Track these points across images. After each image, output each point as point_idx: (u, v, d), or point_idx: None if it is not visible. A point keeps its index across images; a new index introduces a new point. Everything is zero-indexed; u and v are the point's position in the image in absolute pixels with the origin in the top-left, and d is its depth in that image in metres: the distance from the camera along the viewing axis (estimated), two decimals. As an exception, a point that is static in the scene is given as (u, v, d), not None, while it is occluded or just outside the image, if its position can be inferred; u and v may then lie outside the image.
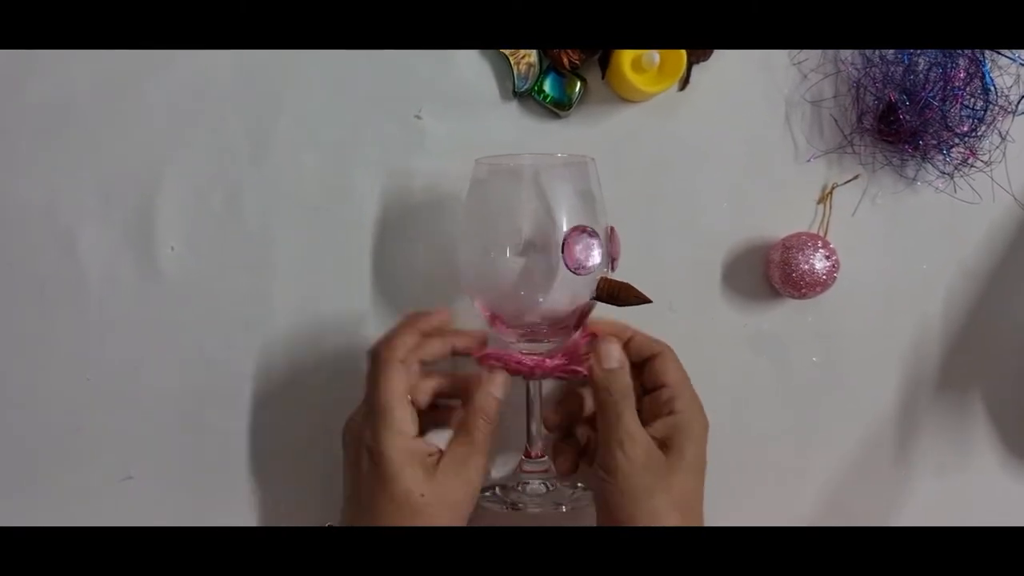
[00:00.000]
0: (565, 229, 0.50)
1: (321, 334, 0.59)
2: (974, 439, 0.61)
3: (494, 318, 0.53)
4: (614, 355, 0.51)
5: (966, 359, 0.61)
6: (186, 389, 0.59)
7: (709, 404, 0.59)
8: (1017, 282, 0.61)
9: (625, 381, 0.51)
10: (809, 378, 0.61)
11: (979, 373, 0.61)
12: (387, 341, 0.52)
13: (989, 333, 0.61)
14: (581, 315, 0.53)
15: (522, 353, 0.53)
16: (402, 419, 0.50)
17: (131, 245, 0.59)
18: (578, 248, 0.49)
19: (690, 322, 0.60)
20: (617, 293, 0.51)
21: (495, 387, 0.52)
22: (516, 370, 0.53)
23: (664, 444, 0.51)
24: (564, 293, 0.51)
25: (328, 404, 0.59)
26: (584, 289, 0.51)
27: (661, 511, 0.49)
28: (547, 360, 0.53)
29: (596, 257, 0.50)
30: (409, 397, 0.51)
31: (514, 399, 0.54)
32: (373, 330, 0.59)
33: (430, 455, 0.50)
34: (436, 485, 0.49)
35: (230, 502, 0.59)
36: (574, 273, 0.49)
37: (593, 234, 0.50)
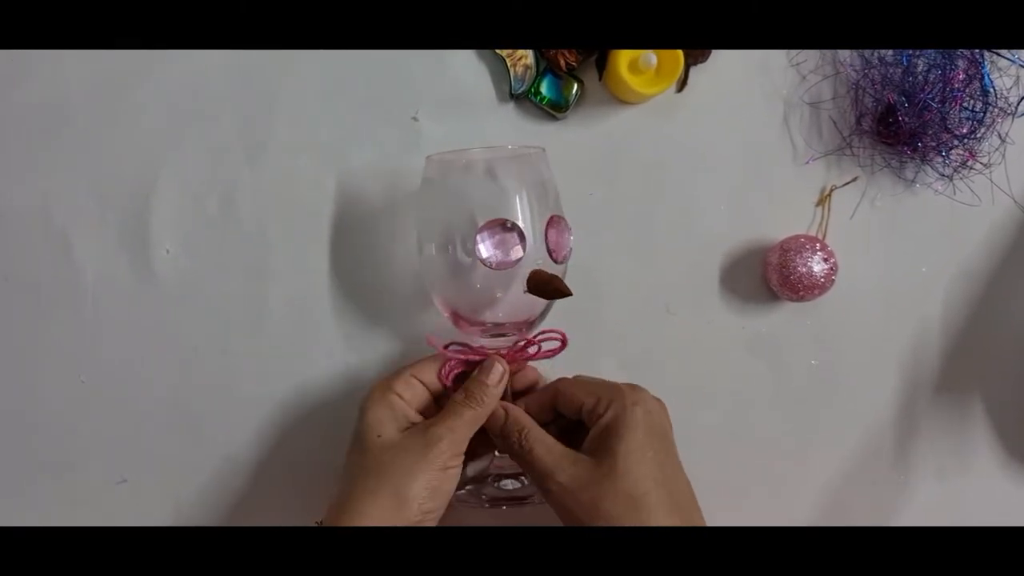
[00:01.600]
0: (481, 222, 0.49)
1: (316, 337, 0.59)
2: (974, 442, 0.61)
3: (456, 316, 0.53)
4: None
5: (965, 362, 0.61)
6: (181, 392, 0.59)
7: (708, 407, 0.60)
8: (1017, 284, 0.60)
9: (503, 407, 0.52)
10: (808, 381, 0.60)
11: (979, 376, 0.61)
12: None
13: (989, 336, 0.60)
14: (542, 309, 0.53)
15: (483, 347, 0.53)
16: (396, 380, 0.52)
17: (126, 247, 0.58)
18: (489, 243, 0.49)
19: (688, 325, 0.60)
20: (542, 286, 0.50)
21: (488, 375, 0.52)
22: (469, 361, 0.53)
23: (597, 451, 0.50)
24: (520, 288, 0.50)
25: (322, 407, 0.58)
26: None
27: (613, 516, 0.48)
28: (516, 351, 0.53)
29: (512, 251, 0.49)
30: (418, 378, 0.53)
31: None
32: (370, 333, 0.59)
33: (411, 420, 0.51)
34: (398, 437, 0.50)
35: (225, 506, 0.59)
36: (489, 268, 0.49)
37: (510, 228, 0.49)
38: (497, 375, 0.52)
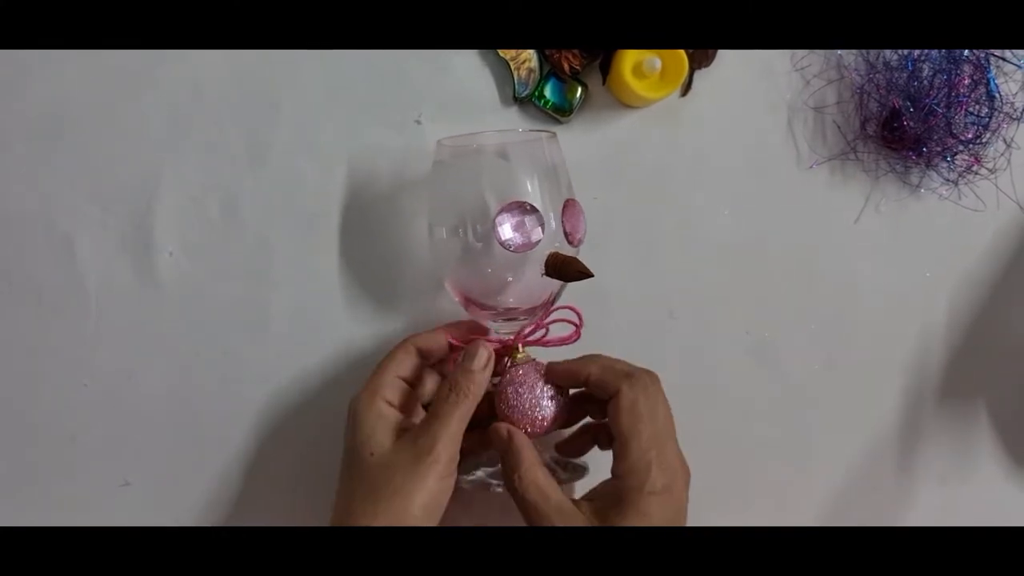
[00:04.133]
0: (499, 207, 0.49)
1: (318, 340, 0.59)
2: (977, 449, 0.60)
3: (467, 301, 0.53)
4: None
5: (970, 368, 0.60)
6: (183, 395, 0.59)
7: (709, 412, 0.59)
8: (1021, 290, 0.60)
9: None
10: (810, 386, 0.60)
11: (983, 382, 0.61)
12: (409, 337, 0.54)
13: (993, 342, 0.60)
14: (553, 293, 0.52)
15: (496, 333, 0.53)
16: (382, 384, 0.51)
17: (128, 251, 0.58)
18: (508, 225, 0.49)
19: (691, 330, 0.60)
20: (561, 268, 0.49)
21: (472, 361, 0.50)
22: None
23: (601, 513, 0.47)
24: (533, 271, 0.50)
25: (325, 410, 0.58)
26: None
27: None
28: (519, 335, 0.53)
29: (531, 233, 0.49)
30: (401, 376, 0.52)
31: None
32: (371, 336, 0.59)
33: (402, 426, 0.50)
34: (390, 451, 0.49)
35: (227, 509, 0.59)
36: (508, 251, 0.49)
37: (530, 209, 0.49)
38: (483, 360, 0.51)
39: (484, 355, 0.51)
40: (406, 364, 0.53)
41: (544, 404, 0.52)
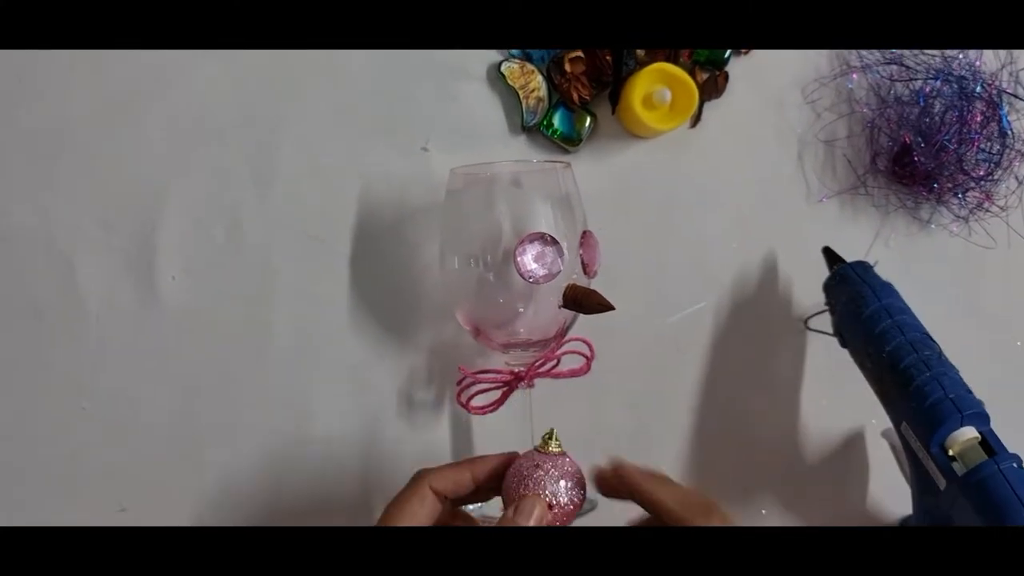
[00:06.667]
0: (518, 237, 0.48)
1: (322, 366, 0.58)
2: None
3: (477, 330, 0.52)
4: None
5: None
6: (184, 420, 0.58)
7: (720, 446, 0.59)
8: (1032, 329, 0.60)
9: None
10: (822, 422, 0.60)
11: (992, 419, 0.60)
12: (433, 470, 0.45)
13: (1003, 379, 0.59)
14: (564, 324, 0.52)
15: (507, 364, 0.52)
16: None
17: (131, 273, 0.58)
18: (530, 256, 0.48)
19: (698, 363, 0.59)
20: (581, 300, 0.49)
21: (523, 517, 0.42)
22: (501, 381, 0.52)
23: None
24: (545, 302, 0.50)
25: (328, 437, 0.58)
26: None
27: None
28: (530, 367, 0.52)
29: (552, 264, 0.48)
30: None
31: (511, 408, 0.53)
32: (376, 361, 0.58)
33: None
34: None
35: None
36: (528, 282, 0.48)
37: (551, 241, 0.48)
38: (537, 518, 0.42)
39: (539, 513, 0.42)
40: (420, 514, 0.43)
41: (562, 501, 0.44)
